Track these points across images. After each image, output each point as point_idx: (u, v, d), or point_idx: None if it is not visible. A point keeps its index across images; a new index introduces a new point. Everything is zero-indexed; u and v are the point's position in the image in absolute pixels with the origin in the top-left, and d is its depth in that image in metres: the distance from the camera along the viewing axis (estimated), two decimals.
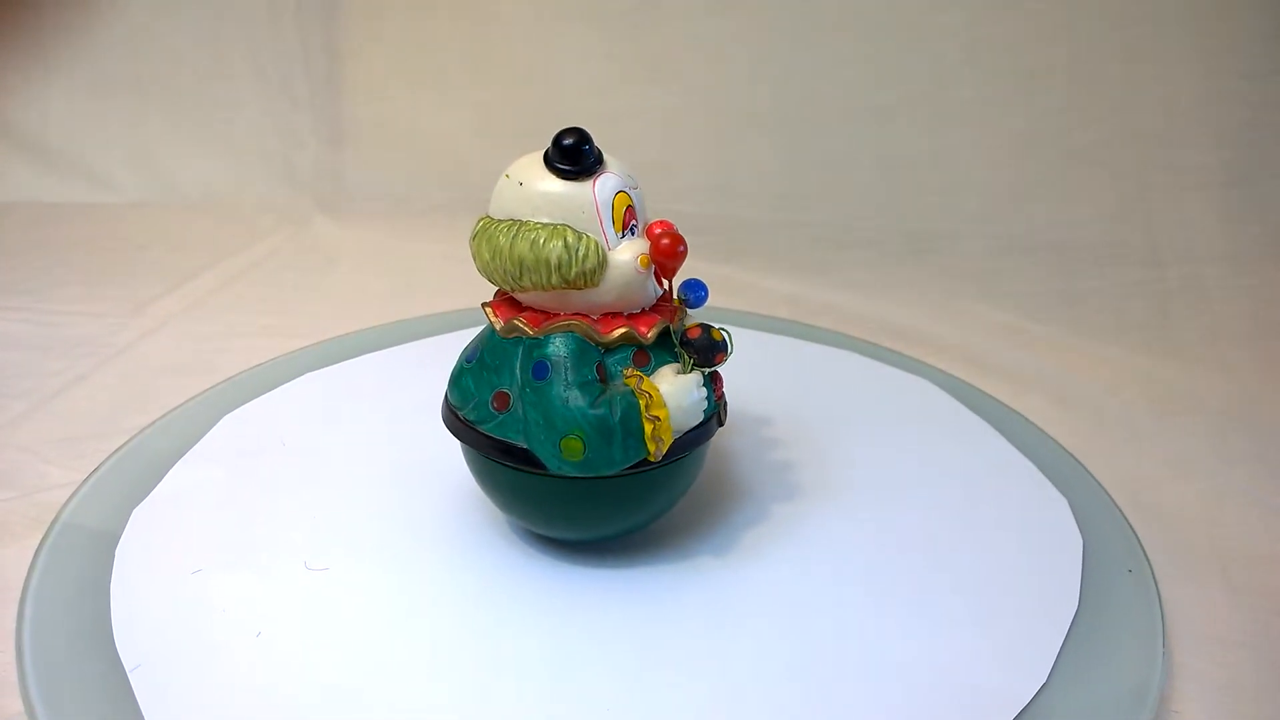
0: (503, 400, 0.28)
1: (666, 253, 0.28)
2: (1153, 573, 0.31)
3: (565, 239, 0.27)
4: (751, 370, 0.37)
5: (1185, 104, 0.58)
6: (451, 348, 0.32)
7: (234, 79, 0.73)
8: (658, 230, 0.29)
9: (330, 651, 0.27)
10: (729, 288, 0.59)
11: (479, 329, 0.31)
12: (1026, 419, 0.42)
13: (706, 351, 0.29)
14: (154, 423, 0.39)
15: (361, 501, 0.34)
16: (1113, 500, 0.36)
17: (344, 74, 0.73)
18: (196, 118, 0.73)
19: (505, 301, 0.30)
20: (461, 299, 0.53)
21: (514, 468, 0.29)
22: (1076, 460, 0.38)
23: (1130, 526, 0.34)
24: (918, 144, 0.62)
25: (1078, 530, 0.33)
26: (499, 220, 0.28)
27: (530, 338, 0.28)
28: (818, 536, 0.33)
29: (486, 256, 0.28)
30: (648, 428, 0.27)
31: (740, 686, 0.27)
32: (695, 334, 0.29)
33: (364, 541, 0.32)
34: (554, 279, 0.27)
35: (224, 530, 0.32)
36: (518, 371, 0.28)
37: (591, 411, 0.27)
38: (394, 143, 0.72)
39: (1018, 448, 0.39)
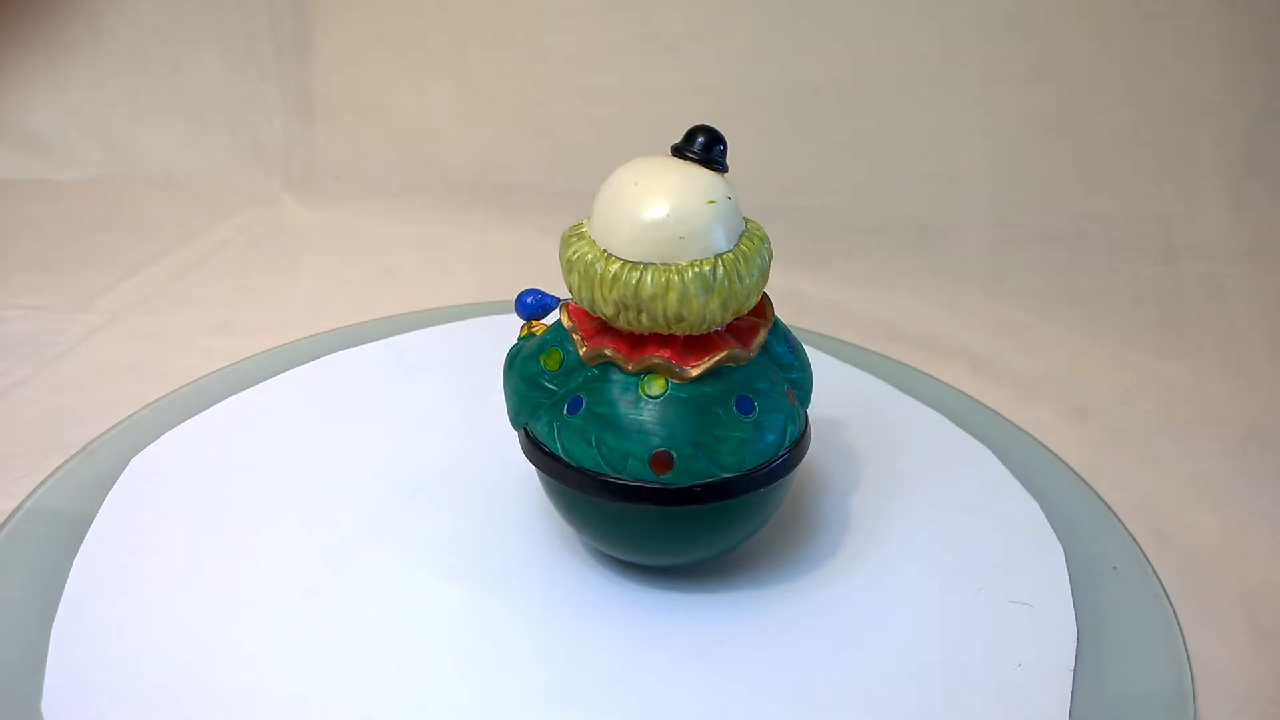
0: None
1: None
2: (1181, 632, 0.29)
3: (763, 238, 0.27)
4: None
5: (1204, 89, 0.55)
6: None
7: (195, 44, 0.68)
8: None
9: None
10: None
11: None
12: (1034, 438, 0.39)
13: None
14: (102, 435, 0.36)
15: (364, 547, 0.30)
16: (1136, 541, 0.33)
17: (314, 41, 0.68)
18: (154, 87, 0.68)
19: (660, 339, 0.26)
20: (442, 290, 0.50)
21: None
22: (1094, 491, 0.36)
23: (1158, 577, 0.31)
24: (921, 128, 0.58)
25: (1072, 601, 0.30)
26: (717, 258, 0.25)
27: (740, 366, 0.27)
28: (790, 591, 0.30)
29: (733, 305, 0.26)
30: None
31: None
32: None
33: (376, 605, 0.28)
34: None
35: (184, 592, 0.28)
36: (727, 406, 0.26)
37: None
38: (368, 116, 0.67)
39: (1022, 482, 0.35)
